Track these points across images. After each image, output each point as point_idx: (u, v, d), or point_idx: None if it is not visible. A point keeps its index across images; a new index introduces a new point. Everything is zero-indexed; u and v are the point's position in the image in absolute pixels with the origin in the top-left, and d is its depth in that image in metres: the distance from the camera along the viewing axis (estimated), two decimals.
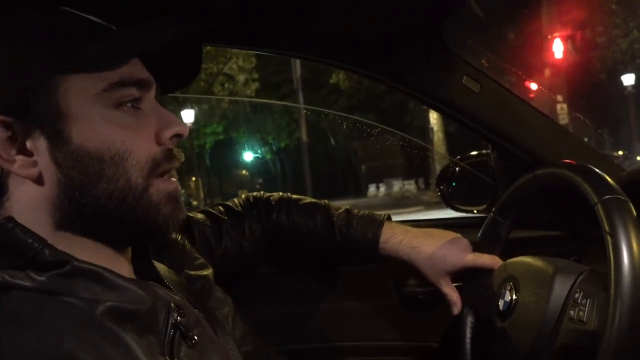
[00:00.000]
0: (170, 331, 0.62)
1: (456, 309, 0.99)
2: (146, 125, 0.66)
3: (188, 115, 15.70)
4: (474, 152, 1.33)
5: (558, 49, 11.70)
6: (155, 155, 0.65)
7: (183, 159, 0.70)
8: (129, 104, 0.64)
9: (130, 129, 0.64)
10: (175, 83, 0.76)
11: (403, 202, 15.70)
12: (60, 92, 0.61)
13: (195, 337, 0.64)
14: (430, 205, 13.54)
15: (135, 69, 0.65)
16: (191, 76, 0.76)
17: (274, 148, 21.80)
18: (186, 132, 0.69)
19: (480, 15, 0.96)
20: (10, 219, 0.59)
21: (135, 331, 0.58)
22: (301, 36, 1.09)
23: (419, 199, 16.16)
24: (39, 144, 0.61)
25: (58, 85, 0.61)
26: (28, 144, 0.61)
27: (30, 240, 0.58)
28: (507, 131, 1.13)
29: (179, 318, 0.63)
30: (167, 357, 0.59)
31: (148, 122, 0.66)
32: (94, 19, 0.66)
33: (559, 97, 12.22)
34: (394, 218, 1.09)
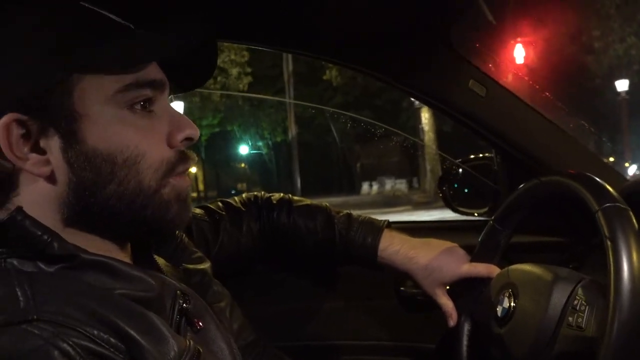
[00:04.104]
0: (177, 317, 0.63)
1: (452, 321, 0.99)
2: (158, 127, 0.65)
3: (177, 108, 15.55)
4: (480, 155, 1.33)
5: (519, 54, 11.45)
6: (168, 158, 0.65)
7: (196, 159, 0.70)
8: (142, 106, 0.64)
9: (143, 131, 0.63)
10: (190, 83, 0.75)
11: (393, 201, 15.71)
12: (76, 91, 0.60)
13: (200, 324, 0.65)
14: (418, 206, 13.59)
15: (150, 69, 0.64)
16: (206, 76, 0.74)
17: (270, 143, 21.75)
18: (197, 135, 0.68)
19: (492, 20, 0.95)
20: (20, 210, 0.58)
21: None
22: (310, 34, 1.09)
23: (409, 198, 16.19)
24: (52, 143, 0.60)
25: (74, 85, 0.60)
26: (42, 142, 0.60)
27: (40, 233, 0.57)
28: (512, 136, 1.13)
29: (184, 305, 0.64)
30: None
31: (160, 124, 0.66)
32: (112, 17, 0.64)
33: None
34: (383, 217, 1.09)
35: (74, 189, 0.61)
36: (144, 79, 0.63)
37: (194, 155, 0.69)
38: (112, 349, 0.52)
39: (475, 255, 1.01)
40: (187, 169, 0.68)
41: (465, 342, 0.97)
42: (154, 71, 0.65)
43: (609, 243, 0.70)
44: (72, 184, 0.61)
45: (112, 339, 0.52)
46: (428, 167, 15.20)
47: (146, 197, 0.63)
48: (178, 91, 0.74)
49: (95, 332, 0.51)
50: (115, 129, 0.61)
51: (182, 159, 0.67)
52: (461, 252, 1.02)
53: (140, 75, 0.62)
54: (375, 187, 20.27)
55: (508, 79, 1.07)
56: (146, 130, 0.63)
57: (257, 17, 1.04)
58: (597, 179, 0.80)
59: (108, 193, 0.61)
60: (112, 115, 0.61)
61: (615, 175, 1.11)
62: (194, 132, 0.67)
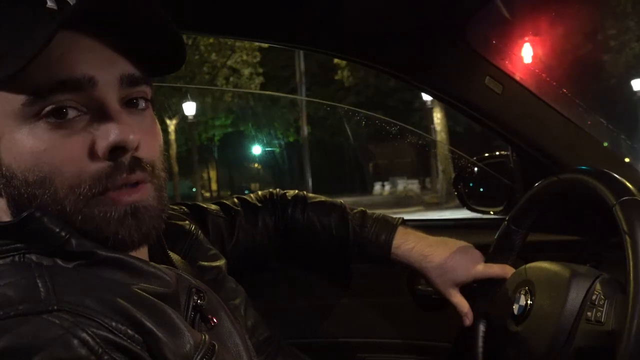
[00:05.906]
0: (191, 313, 0.63)
1: (467, 320, 0.99)
2: (79, 137, 0.57)
3: (189, 108, 15.68)
4: (496, 153, 1.32)
5: (527, 53, 11.31)
6: (91, 173, 0.57)
7: (147, 172, 0.60)
8: (56, 114, 0.56)
9: (56, 146, 0.56)
10: (159, 68, 0.65)
11: (405, 201, 15.64)
12: None
13: (214, 320, 0.65)
14: (429, 206, 13.52)
15: (65, 66, 0.55)
16: (173, 61, 0.64)
17: (283, 143, 21.79)
18: (129, 143, 0.57)
19: (507, 16, 0.95)
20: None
21: None
22: (325, 32, 1.09)
23: (421, 198, 16.12)
24: None
25: None
26: None
27: (58, 229, 0.57)
28: (528, 134, 1.12)
29: (199, 301, 0.64)
30: None
31: (83, 132, 0.57)
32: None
33: None
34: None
35: (8, 206, 0.59)
36: (51, 82, 0.55)
37: (136, 166, 0.59)
38: (129, 340, 0.52)
39: (490, 255, 1.00)
40: (126, 182, 0.58)
41: (480, 341, 0.97)
42: (70, 67, 0.56)
43: (626, 236, 0.70)
44: (5, 201, 0.59)
45: (129, 331, 0.52)
46: (440, 168, 15.09)
47: (71, 220, 0.57)
48: (153, 75, 0.65)
49: (114, 323, 0.52)
50: (25, 147, 0.56)
51: (115, 172, 0.57)
52: (476, 252, 1.01)
53: (44, 81, 0.54)
54: (387, 187, 20.18)
55: (524, 76, 1.06)
56: (60, 144, 0.56)
57: (274, 15, 1.05)
58: (614, 174, 0.80)
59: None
60: (20, 132, 0.56)
61: (634, 173, 1.10)
62: (118, 139, 0.56)
